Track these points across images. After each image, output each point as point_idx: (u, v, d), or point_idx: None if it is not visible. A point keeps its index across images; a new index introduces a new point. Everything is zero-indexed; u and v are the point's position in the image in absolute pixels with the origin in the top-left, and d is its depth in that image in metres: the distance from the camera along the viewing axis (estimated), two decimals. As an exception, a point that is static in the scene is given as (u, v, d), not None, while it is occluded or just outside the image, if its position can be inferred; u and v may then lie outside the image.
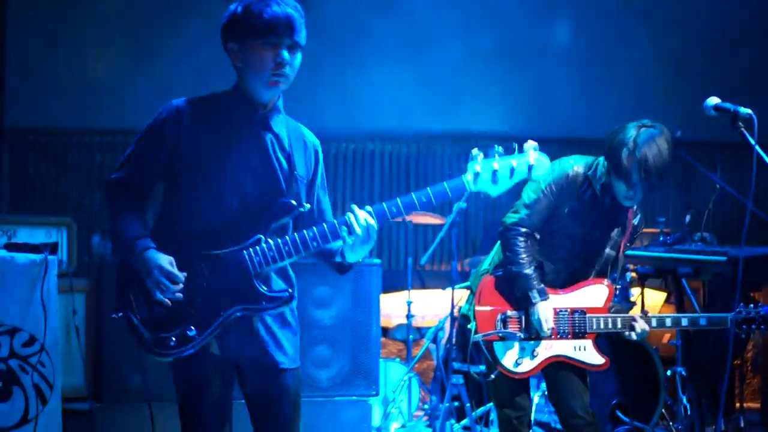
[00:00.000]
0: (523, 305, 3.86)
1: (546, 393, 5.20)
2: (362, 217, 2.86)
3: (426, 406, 5.77)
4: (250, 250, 2.87)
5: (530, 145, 2.90)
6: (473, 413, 5.28)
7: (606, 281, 3.94)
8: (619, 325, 3.88)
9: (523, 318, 3.86)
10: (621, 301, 4.61)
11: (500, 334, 3.84)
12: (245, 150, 2.94)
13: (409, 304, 5.88)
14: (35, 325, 3.99)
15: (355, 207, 2.89)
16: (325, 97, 7.14)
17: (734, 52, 7.81)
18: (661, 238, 5.72)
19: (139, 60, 7.09)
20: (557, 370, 3.93)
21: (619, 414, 5.28)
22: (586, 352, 3.89)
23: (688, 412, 5.33)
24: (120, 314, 2.92)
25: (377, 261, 5.43)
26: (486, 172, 2.86)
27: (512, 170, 2.87)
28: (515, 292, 3.86)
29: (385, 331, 6.46)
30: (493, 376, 3.94)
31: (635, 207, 4.00)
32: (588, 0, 7.69)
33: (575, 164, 3.90)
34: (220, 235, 2.89)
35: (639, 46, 7.77)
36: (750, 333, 4.01)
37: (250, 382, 3.05)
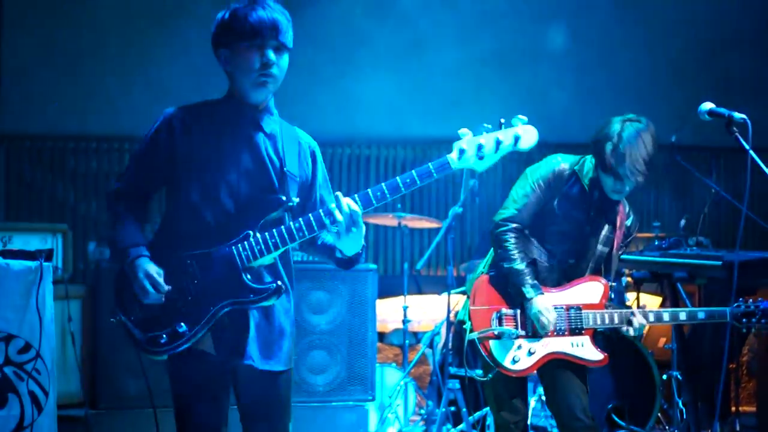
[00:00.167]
0: (518, 303, 3.86)
1: (543, 397, 5.20)
2: (345, 203, 2.89)
3: (422, 411, 5.76)
4: (239, 245, 2.93)
5: (519, 119, 2.91)
6: (470, 418, 5.28)
7: (602, 279, 3.94)
8: (617, 320, 3.88)
9: (519, 315, 3.87)
10: (617, 305, 4.62)
11: (496, 332, 3.83)
12: (238, 150, 3.00)
13: (405, 309, 5.88)
14: (30, 331, 3.99)
15: (339, 194, 2.91)
16: (322, 102, 7.15)
17: (730, 56, 7.83)
18: (657, 243, 5.73)
19: (134, 66, 7.09)
20: (555, 371, 3.91)
21: (616, 418, 5.29)
22: (584, 348, 3.88)
23: (684, 416, 5.34)
24: (116, 318, 3.00)
25: (373, 266, 5.44)
26: (471, 149, 2.87)
27: (498, 143, 2.87)
28: (509, 290, 3.87)
29: (382, 336, 6.46)
30: (490, 376, 3.94)
31: (627, 208, 4.02)
32: (583, 5, 7.71)
33: (562, 161, 3.94)
34: (216, 234, 2.95)
35: (635, 51, 7.79)
36: (751, 327, 3.99)
37: (242, 383, 3.08)
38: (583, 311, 3.88)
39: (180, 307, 2.93)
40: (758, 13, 7.77)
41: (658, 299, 6.44)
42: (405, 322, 5.87)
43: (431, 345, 5.84)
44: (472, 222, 7.65)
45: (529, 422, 4.78)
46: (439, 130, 7.65)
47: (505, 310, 3.88)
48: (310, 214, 2.93)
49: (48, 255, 4.10)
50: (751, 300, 3.98)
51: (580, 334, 3.88)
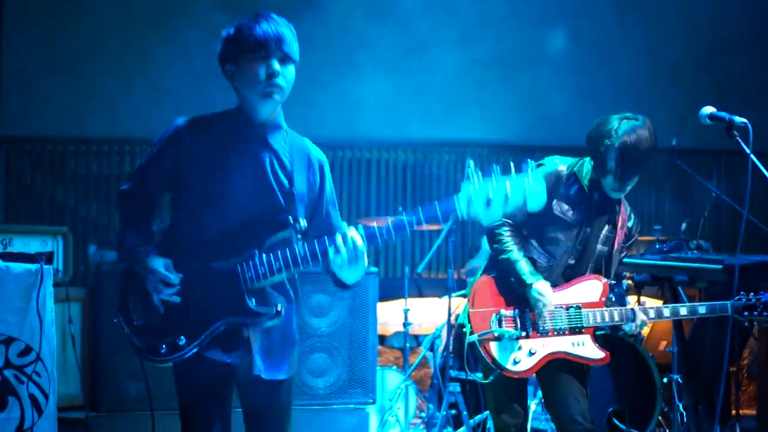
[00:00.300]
0: (518, 304, 3.86)
1: (543, 400, 5.20)
2: (350, 237, 2.92)
3: (423, 414, 5.75)
4: (243, 264, 2.95)
5: (528, 165, 2.88)
6: (470, 421, 5.27)
7: (602, 277, 3.94)
8: (617, 318, 3.88)
9: (519, 316, 3.86)
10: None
11: (496, 334, 3.83)
12: (242, 167, 3.02)
13: (406, 312, 5.88)
14: (31, 334, 3.99)
15: (349, 228, 2.96)
16: (323, 105, 7.16)
17: (730, 59, 7.84)
18: (658, 246, 5.73)
19: (134, 68, 7.10)
20: (554, 374, 3.90)
21: (616, 421, 5.28)
22: (585, 347, 3.88)
23: (685, 419, 5.33)
24: (117, 320, 3.04)
25: (374, 269, 5.43)
26: (480, 198, 2.86)
27: (506, 198, 2.86)
28: (511, 284, 3.86)
29: (382, 339, 6.45)
30: (492, 378, 3.93)
31: (629, 209, 4.01)
32: (584, 8, 7.72)
33: (560, 163, 3.95)
34: (219, 248, 2.98)
35: (635, 54, 7.80)
36: (753, 321, 3.98)
37: (244, 389, 3.12)
38: (582, 310, 3.88)
39: (181, 318, 2.96)
40: (758, 15, 7.78)
41: (659, 302, 6.43)
42: (406, 325, 5.87)
43: (432, 348, 5.83)
44: (473, 225, 7.64)
45: (529, 425, 4.78)
46: (440, 133, 7.71)
47: (504, 312, 3.87)
48: (315, 243, 2.95)
49: (48, 258, 4.10)
50: (752, 293, 3.96)
51: (580, 333, 3.88)
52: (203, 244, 2.98)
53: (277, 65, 2.96)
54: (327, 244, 2.93)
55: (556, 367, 3.89)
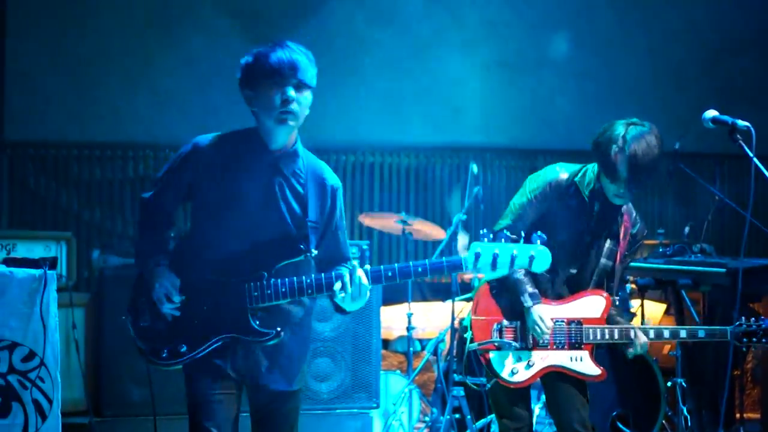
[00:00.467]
0: (519, 315, 3.86)
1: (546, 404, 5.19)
2: (357, 276, 3.05)
3: (427, 419, 5.75)
4: (251, 284, 3.07)
5: (538, 236, 3.04)
6: (474, 425, 5.27)
7: (604, 293, 3.93)
8: (616, 336, 3.88)
9: (519, 328, 3.86)
10: (622, 311, 4.60)
11: (496, 344, 3.84)
12: (254, 193, 3.12)
13: (409, 316, 5.88)
14: (34, 340, 3.98)
15: (356, 266, 3.10)
16: (325, 109, 7.11)
17: (732, 63, 7.84)
18: (661, 250, 5.72)
19: (138, 73, 7.10)
20: (556, 382, 3.91)
21: (620, 425, 5.28)
22: (583, 363, 3.88)
23: (689, 423, 5.32)
24: (126, 318, 3.17)
25: (377, 273, 5.42)
26: (487, 256, 3.00)
27: (513, 258, 2.99)
28: (512, 297, 3.86)
29: (386, 344, 6.45)
30: (489, 385, 3.94)
31: (634, 214, 3.99)
32: (586, 12, 7.72)
33: (561, 171, 3.92)
34: (230, 266, 3.09)
35: (637, 58, 7.80)
36: (751, 347, 3.97)
37: (252, 398, 3.22)
38: (583, 326, 3.88)
39: (185, 327, 3.08)
40: (760, 17, 7.78)
41: (663, 306, 6.43)
42: (409, 329, 5.87)
43: (436, 352, 5.83)
44: (476, 229, 7.64)
45: (533, 430, 4.78)
46: (443, 137, 7.70)
47: (506, 322, 3.88)
48: (323, 277, 3.08)
49: (52, 263, 4.10)
50: (752, 319, 3.95)
51: (579, 348, 3.88)
52: (215, 261, 3.09)
53: (292, 92, 3.07)
54: (334, 278, 3.06)
55: (557, 376, 3.91)
